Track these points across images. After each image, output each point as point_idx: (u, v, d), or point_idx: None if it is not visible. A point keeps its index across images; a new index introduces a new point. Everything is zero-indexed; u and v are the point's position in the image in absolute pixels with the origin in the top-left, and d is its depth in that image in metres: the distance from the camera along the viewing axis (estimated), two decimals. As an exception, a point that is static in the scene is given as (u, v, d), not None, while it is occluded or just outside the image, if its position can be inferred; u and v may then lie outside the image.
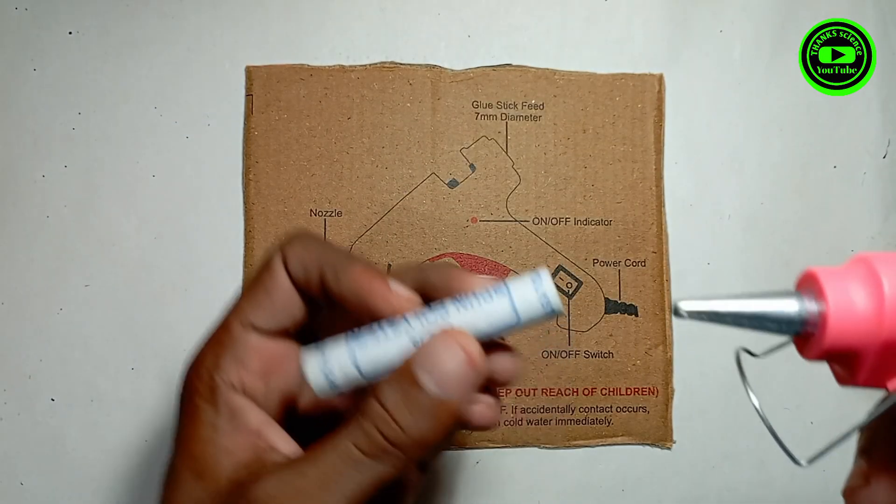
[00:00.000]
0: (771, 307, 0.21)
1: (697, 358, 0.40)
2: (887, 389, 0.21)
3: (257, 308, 0.26)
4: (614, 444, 0.39)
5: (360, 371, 0.25)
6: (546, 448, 0.39)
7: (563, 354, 0.39)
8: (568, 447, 0.39)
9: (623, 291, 0.39)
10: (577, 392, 0.39)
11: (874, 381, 0.21)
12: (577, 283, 0.39)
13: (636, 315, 0.40)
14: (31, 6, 0.39)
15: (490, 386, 0.26)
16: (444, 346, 0.23)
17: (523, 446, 0.39)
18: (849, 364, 0.21)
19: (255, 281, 0.26)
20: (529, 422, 0.39)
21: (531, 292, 0.24)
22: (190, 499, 0.24)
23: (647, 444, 0.40)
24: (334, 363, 0.25)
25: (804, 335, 0.22)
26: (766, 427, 0.22)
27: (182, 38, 0.39)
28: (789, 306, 0.21)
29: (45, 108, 0.39)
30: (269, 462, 0.24)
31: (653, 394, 0.39)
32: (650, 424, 0.39)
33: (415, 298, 0.25)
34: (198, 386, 0.25)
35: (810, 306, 0.21)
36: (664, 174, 0.40)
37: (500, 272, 0.39)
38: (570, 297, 0.39)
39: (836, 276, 0.21)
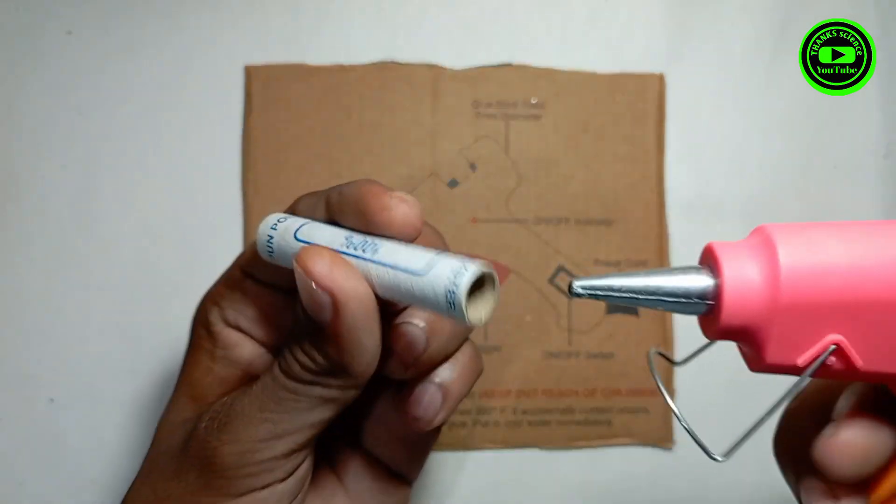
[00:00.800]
0: (667, 282, 0.20)
1: (698, 358, 0.40)
2: (798, 367, 0.20)
3: (255, 259, 0.26)
4: (615, 445, 0.39)
5: (295, 236, 0.24)
6: (547, 449, 0.39)
7: (564, 355, 0.39)
8: (569, 448, 0.39)
9: (624, 291, 0.39)
10: (577, 393, 0.39)
11: (783, 359, 0.20)
12: (577, 284, 0.39)
13: (637, 315, 0.40)
14: (30, 6, 0.39)
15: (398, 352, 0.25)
16: (295, 268, 0.22)
17: (524, 447, 0.39)
18: (755, 342, 0.20)
19: None
20: (530, 423, 0.39)
21: (445, 280, 0.20)
22: (179, 416, 0.26)
23: (649, 445, 0.39)
24: (283, 225, 0.24)
25: (708, 314, 0.20)
26: (683, 425, 0.21)
27: (181, 37, 0.39)
28: (686, 281, 0.20)
29: (44, 109, 0.39)
30: None
31: (654, 395, 0.39)
32: (651, 425, 0.39)
33: (414, 202, 0.23)
34: (202, 317, 0.27)
35: (707, 280, 0.20)
36: (665, 174, 0.40)
37: (501, 273, 0.39)
38: (570, 297, 0.39)
39: (734, 248, 0.20)
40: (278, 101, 0.39)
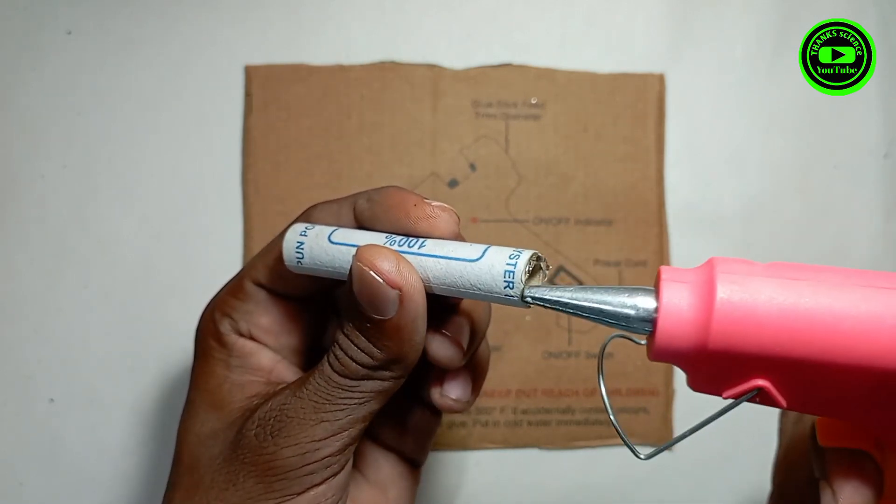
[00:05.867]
0: (611, 303, 0.20)
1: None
2: (721, 396, 0.20)
3: (267, 270, 0.27)
4: (615, 445, 0.39)
5: (329, 240, 0.24)
6: (546, 449, 0.39)
7: (564, 355, 0.39)
8: (568, 448, 0.39)
9: (623, 292, 0.39)
10: (577, 393, 0.39)
11: (709, 390, 0.21)
12: (577, 284, 0.39)
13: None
14: (29, 6, 0.39)
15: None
16: (356, 267, 0.22)
17: (523, 447, 0.39)
18: (686, 370, 0.21)
19: (271, 243, 0.27)
20: (529, 423, 0.39)
21: (502, 263, 0.22)
22: (205, 427, 0.26)
23: (648, 445, 0.39)
24: (313, 232, 0.25)
25: (650, 337, 0.21)
26: (611, 420, 0.22)
27: (181, 37, 0.39)
28: (629, 304, 0.20)
29: (43, 109, 0.39)
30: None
31: (654, 395, 0.39)
32: (651, 425, 0.39)
33: (452, 210, 0.24)
34: (211, 328, 0.27)
35: (647, 306, 0.20)
36: (665, 174, 0.40)
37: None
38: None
39: (680, 276, 0.20)
40: (278, 101, 0.39)
